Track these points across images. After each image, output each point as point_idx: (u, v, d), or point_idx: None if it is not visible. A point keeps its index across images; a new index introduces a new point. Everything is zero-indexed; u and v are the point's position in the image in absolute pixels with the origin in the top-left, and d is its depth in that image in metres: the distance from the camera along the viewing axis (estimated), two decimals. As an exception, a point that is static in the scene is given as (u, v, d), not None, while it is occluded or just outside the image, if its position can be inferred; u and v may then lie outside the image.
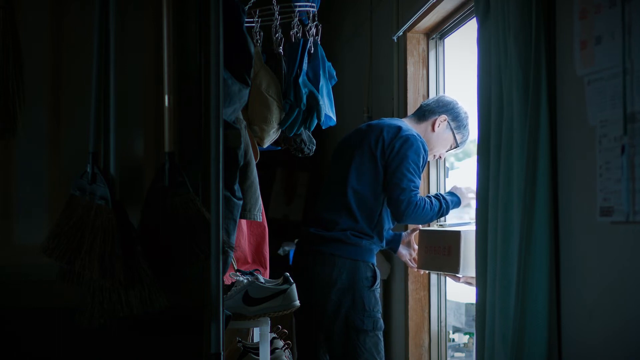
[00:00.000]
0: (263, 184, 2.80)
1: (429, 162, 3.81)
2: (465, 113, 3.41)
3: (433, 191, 3.82)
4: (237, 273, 2.77)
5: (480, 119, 2.48)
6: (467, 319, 5.49)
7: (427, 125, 3.34)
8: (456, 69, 3.82)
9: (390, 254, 4.01)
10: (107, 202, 1.91)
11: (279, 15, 2.93)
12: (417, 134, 3.23)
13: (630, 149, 1.80)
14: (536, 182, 2.15)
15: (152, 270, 1.92)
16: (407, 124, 3.30)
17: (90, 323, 1.89)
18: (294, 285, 2.70)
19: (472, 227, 3.30)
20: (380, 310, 3.20)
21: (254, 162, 2.60)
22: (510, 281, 2.25)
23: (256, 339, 3.24)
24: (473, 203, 3.29)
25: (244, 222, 3.06)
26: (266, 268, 3.28)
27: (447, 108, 3.35)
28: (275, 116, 2.84)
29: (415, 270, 3.54)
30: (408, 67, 3.79)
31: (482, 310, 2.41)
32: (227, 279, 2.71)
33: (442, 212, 3.25)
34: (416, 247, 3.47)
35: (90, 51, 1.97)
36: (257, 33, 2.97)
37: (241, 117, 2.47)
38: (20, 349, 2.01)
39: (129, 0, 2.07)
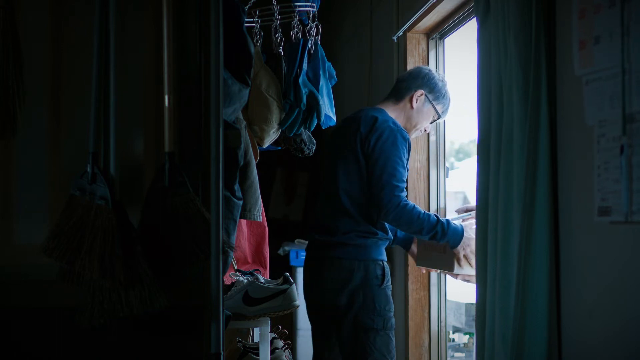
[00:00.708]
0: (263, 184, 2.80)
1: (429, 162, 3.81)
2: (442, 81, 3.32)
3: (433, 191, 3.83)
4: (237, 273, 2.78)
5: (480, 119, 2.48)
6: (467, 319, 5.49)
7: (404, 103, 3.26)
8: (456, 69, 3.82)
9: (390, 253, 4.01)
10: (107, 202, 1.91)
11: (279, 15, 2.93)
12: (393, 122, 3.15)
13: (628, 149, 1.80)
14: (536, 182, 2.16)
15: (152, 270, 1.92)
16: (386, 110, 3.22)
17: (90, 323, 1.89)
18: (294, 285, 2.71)
19: (469, 224, 3.29)
20: (392, 309, 3.17)
21: (254, 162, 2.60)
22: (510, 281, 2.25)
23: (256, 339, 3.25)
24: (469, 255, 3.13)
25: (244, 222, 3.07)
26: (266, 268, 3.29)
27: (422, 81, 3.26)
28: (275, 116, 2.84)
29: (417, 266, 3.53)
30: (408, 67, 3.79)
31: (482, 310, 2.41)
32: (227, 279, 2.72)
33: (436, 232, 3.09)
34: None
35: (90, 51, 1.97)
36: (257, 33, 2.97)
37: (241, 117, 2.47)
38: (20, 349, 2.01)
39: (129, 0, 2.07)
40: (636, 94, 1.80)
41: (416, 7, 3.53)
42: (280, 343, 3.10)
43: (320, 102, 2.91)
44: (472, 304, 3.69)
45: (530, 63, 2.18)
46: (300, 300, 2.96)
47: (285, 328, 3.35)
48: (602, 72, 1.92)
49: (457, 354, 5.65)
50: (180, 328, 2.04)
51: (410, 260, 3.76)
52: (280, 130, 2.96)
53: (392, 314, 3.17)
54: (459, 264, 3.16)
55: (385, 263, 3.18)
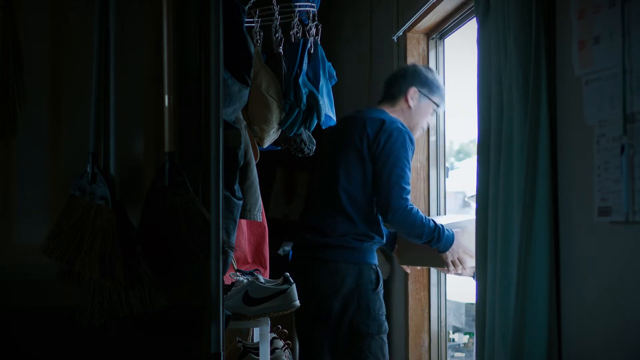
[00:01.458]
0: (263, 184, 2.80)
1: (428, 162, 3.81)
2: (430, 71, 3.32)
3: (433, 191, 3.82)
4: (237, 273, 2.77)
5: (480, 119, 2.48)
6: (467, 319, 5.50)
7: (401, 104, 3.26)
8: (456, 69, 3.82)
9: (390, 254, 4.01)
10: (107, 202, 1.91)
11: (279, 15, 2.93)
12: (401, 124, 3.15)
13: (629, 149, 1.80)
14: (536, 182, 2.16)
15: (152, 270, 1.92)
16: (388, 113, 3.23)
17: (90, 323, 1.89)
18: (294, 285, 2.70)
19: (456, 220, 3.28)
20: (385, 313, 3.17)
21: (254, 162, 2.60)
22: (510, 281, 2.25)
23: (256, 339, 3.24)
24: (466, 260, 3.16)
25: (244, 222, 3.06)
26: (266, 268, 3.28)
27: (412, 79, 3.26)
28: (275, 116, 2.84)
29: (400, 266, 3.54)
30: (408, 67, 3.78)
31: (482, 310, 2.41)
32: (227, 279, 2.71)
33: (433, 237, 3.11)
34: None
35: (90, 51, 1.97)
36: (257, 33, 2.97)
37: (241, 117, 2.47)
38: (20, 349, 2.01)
39: (129, 0, 2.07)
40: (637, 93, 1.80)
41: (416, 7, 3.53)
42: (280, 343, 3.10)
43: (320, 102, 2.91)
44: (472, 304, 3.69)
45: (530, 63, 2.18)
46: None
47: (285, 328, 3.34)
48: (601, 72, 1.92)
49: (457, 354, 5.65)
50: (180, 328, 2.04)
51: (410, 260, 3.76)
52: (280, 130, 2.96)
53: (385, 317, 3.16)
54: (447, 267, 3.17)
55: (378, 268, 3.17)
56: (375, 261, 3.17)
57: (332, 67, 3.10)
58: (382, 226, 3.18)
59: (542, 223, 2.15)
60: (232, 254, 2.38)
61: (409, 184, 3.09)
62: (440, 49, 3.84)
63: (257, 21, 2.98)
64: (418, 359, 3.76)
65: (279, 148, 3.21)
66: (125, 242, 1.90)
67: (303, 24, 2.96)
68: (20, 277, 2.04)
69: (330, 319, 3.09)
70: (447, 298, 3.86)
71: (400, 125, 3.15)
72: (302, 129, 3.03)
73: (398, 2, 3.93)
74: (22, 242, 2.07)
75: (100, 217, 1.90)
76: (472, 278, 2.93)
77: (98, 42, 1.97)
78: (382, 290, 3.16)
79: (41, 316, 2.02)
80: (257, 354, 2.78)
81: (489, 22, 2.41)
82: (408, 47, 3.80)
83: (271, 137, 2.92)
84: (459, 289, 5.02)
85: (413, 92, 3.25)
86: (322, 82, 2.98)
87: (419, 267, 3.63)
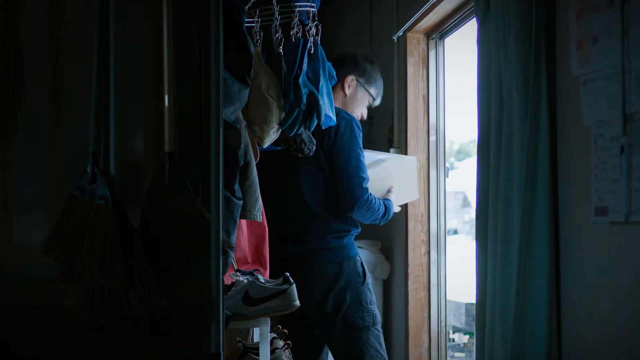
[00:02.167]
0: (263, 184, 2.79)
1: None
2: (370, 63, 3.31)
3: (433, 191, 3.82)
4: (237, 273, 2.77)
5: (480, 119, 2.48)
6: (467, 319, 5.50)
7: (337, 91, 3.26)
8: (456, 69, 3.82)
9: (390, 253, 4.01)
10: (107, 202, 1.91)
11: (279, 15, 2.92)
12: (345, 112, 3.16)
13: (628, 149, 1.80)
14: (536, 182, 2.16)
15: (152, 270, 1.92)
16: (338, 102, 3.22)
17: (90, 323, 1.89)
18: (294, 285, 2.70)
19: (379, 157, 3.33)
20: (375, 303, 3.18)
21: (254, 162, 2.59)
22: (510, 281, 2.25)
23: (256, 339, 3.24)
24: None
25: (244, 222, 3.06)
26: (266, 268, 3.28)
27: (350, 67, 3.27)
28: (275, 116, 2.84)
29: None
30: (408, 67, 3.79)
31: (482, 310, 2.41)
32: (227, 279, 2.71)
33: (387, 214, 3.17)
34: None
35: (90, 51, 1.97)
36: (257, 33, 2.97)
37: (241, 117, 2.47)
38: (20, 349, 2.01)
39: (129, 1, 2.07)
40: (635, 94, 1.80)
41: (416, 7, 3.53)
42: (280, 343, 3.10)
43: (320, 102, 2.90)
44: (472, 304, 3.69)
45: (530, 63, 2.18)
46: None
47: (285, 328, 3.34)
48: (599, 72, 1.92)
49: (457, 354, 5.66)
50: (180, 328, 2.04)
51: (410, 260, 3.76)
52: (280, 130, 2.95)
53: (377, 308, 3.17)
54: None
55: (360, 258, 3.18)
56: (357, 252, 3.17)
57: (332, 67, 3.10)
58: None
59: (542, 223, 2.15)
60: (232, 254, 2.38)
61: (365, 171, 3.11)
62: (440, 49, 3.84)
63: (257, 21, 2.97)
64: (418, 359, 3.76)
65: (279, 148, 3.21)
66: (125, 242, 1.90)
67: (303, 24, 2.96)
68: (20, 277, 2.04)
69: (325, 318, 3.10)
70: (447, 298, 3.86)
71: (345, 115, 3.15)
72: (302, 129, 3.02)
73: (398, 2, 3.93)
74: (22, 242, 2.07)
75: (100, 217, 1.90)
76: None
77: (98, 42, 1.97)
78: (370, 281, 3.17)
79: (41, 316, 2.02)
80: (257, 354, 2.77)
81: (489, 22, 2.41)
82: (408, 47, 3.80)
83: (271, 137, 2.92)
84: (459, 289, 5.02)
85: (350, 80, 3.26)
86: (322, 82, 2.98)
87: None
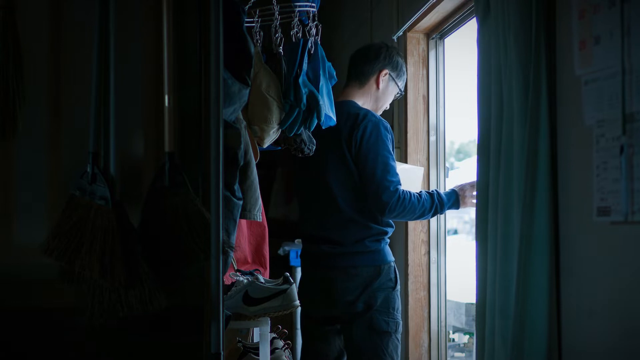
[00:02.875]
0: (263, 184, 2.80)
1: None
2: (399, 55, 3.30)
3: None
4: (237, 273, 2.77)
5: (480, 119, 2.48)
6: (467, 319, 5.50)
7: (370, 85, 3.24)
8: (456, 69, 3.83)
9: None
10: (107, 202, 1.91)
11: (279, 15, 2.92)
12: (372, 114, 3.14)
13: (628, 149, 1.80)
14: (536, 182, 2.16)
15: (152, 270, 1.92)
16: (354, 100, 3.21)
17: (90, 323, 1.89)
18: (294, 285, 2.70)
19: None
20: (400, 312, 3.18)
21: (254, 162, 2.59)
22: (510, 281, 2.25)
23: (256, 339, 3.24)
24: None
25: (244, 222, 3.06)
26: (266, 268, 3.28)
27: (385, 60, 3.24)
28: (275, 116, 2.84)
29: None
30: (408, 67, 3.79)
31: (482, 310, 2.41)
32: (227, 279, 2.71)
33: (436, 209, 3.13)
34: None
35: (90, 51, 1.97)
36: (257, 33, 2.97)
37: (241, 117, 2.47)
38: (20, 349, 2.01)
39: (129, 1, 2.07)
40: (636, 94, 1.80)
41: (416, 7, 3.53)
42: (280, 343, 3.10)
43: (321, 102, 2.90)
44: (472, 304, 3.69)
45: (530, 63, 2.18)
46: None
47: (285, 328, 3.35)
48: (601, 72, 1.92)
49: (457, 354, 5.66)
50: (180, 328, 2.04)
51: (410, 260, 3.76)
52: (280, 130, 2.95)
53: (400, 316, 3.17)
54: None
55: (395, 265, 3.18)
56: (392, 258, 3.17)
57: (332, 67, 3.10)
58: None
59: (542, 223, 2.15)
60: (232, 254, 2.38)
61: (396, 174, 3.08)
62: (440, 49, 3.84)
63: (257, 21, 2.97)
64: (418, 359, 3.76)
65: (279, 148, 3.21)
66: (125, 242, 1.90)
67: (303, 24, 2.95)
68: (20, 277, 2.04)
69: (352, 319, 3.10)
70: (447, 298, 3.86)
71: (371, 117, 3.13)
72: (302, 129, 3.02)
73: (398, 2, 3.93)
74: (22, 242, 2.07)
75: (100, 217, 1.90)
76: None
77: (98, 42, 1.97)
78: (399, 289, 3.17)
79: (41, 316, 2.02)
80: (257, 354, 2.78)
81: (489, 22, 2.41)
82: (408, 47, 3.80)
83: (271, 137, 2.92)
84: (459, 289, 5.02)
85: (384, 74, 3.24)
86: (322, 82, 2.98)
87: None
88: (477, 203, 2.48)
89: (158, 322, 2.00)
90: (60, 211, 1.92)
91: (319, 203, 3.17)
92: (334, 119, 3.11)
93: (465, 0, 3.28)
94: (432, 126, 3.84)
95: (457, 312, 5.57)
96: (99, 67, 1.97)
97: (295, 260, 4.68)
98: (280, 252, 4.90)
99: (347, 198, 3.11)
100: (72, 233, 1.89)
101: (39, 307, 2.04)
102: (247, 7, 2.87)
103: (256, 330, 3.29)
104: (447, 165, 3.88)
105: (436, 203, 3.12)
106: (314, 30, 2.92)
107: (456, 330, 5.69)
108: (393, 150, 3.13)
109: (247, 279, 2.70)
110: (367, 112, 3.15)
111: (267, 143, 2.92)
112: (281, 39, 2.89)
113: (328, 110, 3.02)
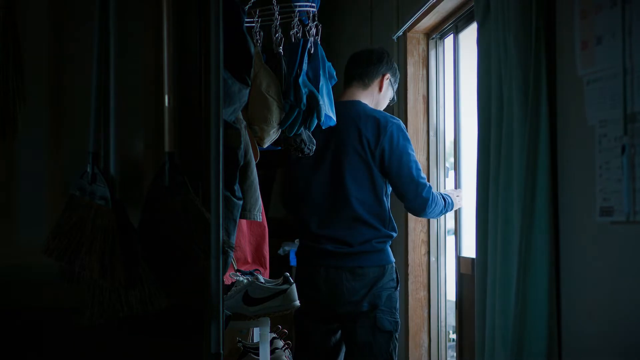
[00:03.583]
0: (263, 184, 2.79)
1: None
2: (395, 62, 3.41)
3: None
4: (237, 273, 2.77)
5: (480, 119, 2.48)
6: (467, 319, 5.48)
7: (373, 87, 3.31)
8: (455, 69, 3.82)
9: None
10: (107, 202, 1.91)
11: (279, 15, 2.92)
12: (390, 116, 3.22)
13: (630, 149, 1.80)
14: (536, 182, 2.15)
15: (152, 270, 1.92)
16: (362, 100, 3.27)
17: (90, 323, 1.89)
18: (294, 285, 2.70)
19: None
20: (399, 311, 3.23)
21: (254, 162, 2.59)
22: (510, 281, 2.25)
23: (256, 339, 3.24)
24: (462, 204, 3.43)
25: (244, 222, 3.06)
26: (266, 268, 3.28)
27: (387, 66, 3.32)
28: (275, 116, 2.84)
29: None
30: (408, 67, 3.79)
31: (482, 310, 2.41)
32: (227, 279, 2.71)
33: (447, 207, 3.26)
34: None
35: (90, 51, 1.97)
36: (257, 33, 2.97)
37: (241, 117, 2.47)
38: (21, 349, 2.01)
39: (129, 1, 2.07)
40: (638, 94, 1.80)
41: (416, 7, 3.53)
42: (280, 343, 3.10)
43: (321, 102, 2.90)
44: (472, 304, 3.68)
45: (530, 63, 2.17)
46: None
47: (285, 328, 3.34)
48: (603, 72, 1.92)
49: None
50: (180, 328, 2.04)
51: (410, 260, 3.76)
52: (280, 130, 2.95)
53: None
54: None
55: (396, 265, 3.22)
56: (394, 259, 3.21)
57: (332, 67, 3.10)
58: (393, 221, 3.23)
59: (542, 223, 2.15)
60: (232, 254, 2.38)
61: (421, 169, 3.20)
62: (440, 49, 3.84)
63: (257, 21, 2.97)
64: (418, 359, 3.76)
65: (279, 148, 3.21)
66: (125, 242, 1.90)
67: (303, 24, 2.95)
68: (20, 277, 2.04)
69: (356, 318, 3.12)
70: (447, 298, 3.85)
71: (391, 119, 3.21)
72: (302, 129, 3.02)
73: (398, 2, 3.93)
74: (22, 242, 2.07)
75: (100, 217, 1.90)
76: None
77: (98, 42, 1.97)
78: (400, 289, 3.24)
79: (41, 316, 2.02)
80: (257, 354, 2.77)
81: (489, 22, 2.41)
82: (408, 47, 3.80)
83: (271, 137, 2.92)
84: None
85: (386, 78, 3.30)
86: (322, 82, 2.98)
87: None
88: (476, 203, 2.48)
89: (158, 322, 2.00)
90: (60, 211, 1.92)
91: (328, 202, 3.19)
92: (334, 119, 3.11)
93: (465, 0, 3.27)
94: (432, 126, 3.84)
95: (457, 312, 5.56)
96: (99, 67, 1.97)
97: (295, 260, 4.68)
98: (280, 252, 4.90)
99: (361, 199, 3.13)
100: (72, 233, 1.89)
101: (39, 307, 2.04)
102: (247, 7, 2.87)
103: (256, 330, 3.28)
104: (447, 165, 3.88)
105: (448, 201, 3.25)
106: (314, 30, 2.91)
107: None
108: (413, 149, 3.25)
109: (247, 279, 2.70)
110: (385, 114, 3.23)
111: (267, 143, 2.92)
112: (281, 39, 2.89)
113: (328, 110, 3.02)
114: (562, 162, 2.16)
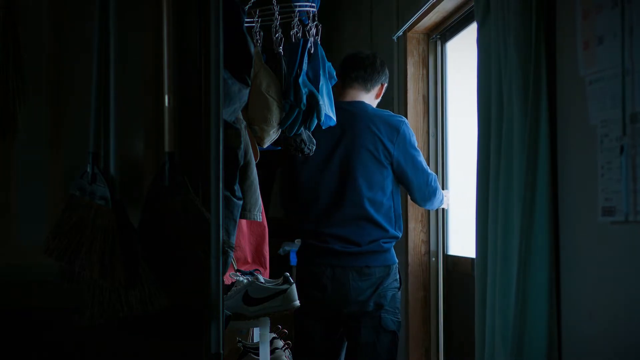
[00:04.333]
0: (263, 184, 2.80)
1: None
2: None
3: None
4: (237, 273, 2.77)
5: (480, 119, 2.48)
6: (467, 319, 5.48)
7: (373, 93, 3.39)
8: (456, 69, 3.82)
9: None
10: (107, 202, 1.91)
11: (279, 15, 2.92)
12: (398, 116, 3.32)
13: (630, 150, 1.80)
14: (536, 182, 2.15)
15: (152, 270, 1.92)
16: (362, 98, 3.34)
17: (90, 323, 1.89)
18: (294, 285, 2.70)
19: None
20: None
21: (254, 162, 2.59)
22: (510, 281, 2.25)
23: (256, 339, 3.24)
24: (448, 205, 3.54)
25: (244, 222, 3.06)
26: (266, 268, 3.28)
27: (385, 76, 3.42)
28: (275, 116, 2.84)
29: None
30: (408, 67, 3.79)
31: (482, 310, 2.41)
32: (227, 279, 2.71)
33: (440, 201, 3.36)
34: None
35: (90, 51, 1.97)
36: (257, 33, 2.97)
37: (241, 117, 2.47)
38: (21, 349, 2.01)
39: (129, 1, 2.07)
40: (639, 94, 1.80)
41: (416, 7, 3.53)
42: (280, 343, 3.10)
43: (321, 102, 2.90)
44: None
45: (530, 63, 2.17)
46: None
47: (285, 328, 3.34)
48: (605, 72, 1.91)
49: (457, 354, 5.64)
50: (180, 328, 2.04)
51: (410, 260, 3.77)
52: (280, 130, 2.95)
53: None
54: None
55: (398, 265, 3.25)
56: (397, 260, 3.25)
57: (332, 67, 3.10)
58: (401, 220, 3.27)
59: (542, 223, 2.15)
60: (232, 254, 2.38)
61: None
62: (441, 49, 3.84)
63: (257, 21, 2.97)
64: (418, 359, 3.76)
65: (279, 148, 3.21)
66: (125, 242, 1.90)
67: (303, 24, 2.95)
68: (20, 277, 2.04)
69: (362, 318, 3.13)
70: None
71: (399, 118, 3.30)
72: (302, 129, 3.02)
73: (398, 2, 3.93)
74: (22, 242, 2.07)
75: (100, 217, 1.90)
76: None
77: (98, 42, 1.97)
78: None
79: (41, 316, 2.02)
80: (257, 354, 2.77)
81: (489, 22, 2.41)
82: (408, 47, 3.80)
83: (271, 137, 2.92)
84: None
85: (383, 87, 3.37)
86: (322, 82, 2.98)
87: None
88: (476, 203, 2.48)
89: (158, 322, 2.00)
90: (60, 211, 1.92)
91: (337, 202, 3.20)
92: (334, 118, 3.11)
93: (465, 0, 3.28)
94: (432, 126, 3.84)
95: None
96: (99, 67, 1.97)
97: (295, 260, 4.68)
98: (280, 252, 4.90)
99: (372, 199, 3.16)
100: (72, 233, 1.89)
101: (39, 307, 2.04)
102: (247, 7, 2.87)
103: (256, 330, 3.28)
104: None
105: (442, 195, 3.36)
106: (314, 30, 2.92)
107: (456, 330, 5.68)
108: None
109: (247, 279, 2.70)
110: (390, 113, 3.38)
111: (267, 143, 2.92)
112: (281, 39, 2.89)
113: (328, 110, 3.02)
114: (562, 161, 2.16)
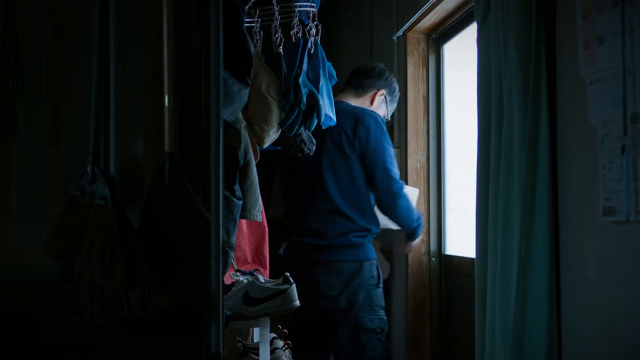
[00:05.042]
0: (263, 184, 2.80)
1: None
2: (396, 82, 3.47)
3: (433, 191, 3.82)
4: (237, 273, 2.77)
5: (480, 119, 2.48)
6: (467, 319, 5.47)
7: (366, 98, 3.38)
8: (456, 69, 3.82)
9: (390, 253, 4.01)
10: (107, 202, 1.91)
11: (279, 15, 2.92)
12: (368, 110, 3.29)
13: (631, 150, 1.80)
14: (536, 182, 2.15)
15: (152, 270, 1.92)
16: (347, 101, 3.33)
17: (90, 323, 1.89)
18: (294, 285, 2.70)
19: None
20: (384, 309, 3.22)
21: (254, 162, 2.59)
22: (510, 281, 2.25)
23: (256, 339, 3.24)
24: None
25: (244, 222, 3.06)
26: (266, 268, 3.28)
27: (385, 82, 3.40)
28: (275, 116, 2.84)
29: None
30: (408, 67, 3.79)
31: (482, 310, 2.41)
32: (227, 279, 2.71)
33: (419, 224, 3.30)
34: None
35: (91, 51, 1.97)
36: (257, 33, 2.97)
37: (241, 117, 2.47)
38: (21, 349, 2.01)
39: (129, 0, 2.07)
40: (639, 94, 1.80)
41: (416, 7, 3.53)
42: (280, 343, 3.10)
43: (321, 102, 2.90)
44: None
45: (530, 63, 2.17)
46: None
47: (285, 328, 3.34)
48: (605, 72, 1.91)
49: (457, 354, 5.64)
50: (180, 328, 2.04)
51: (410, 260, 3.76)
52: (280, 130, 2.95)
53: (385, 314, 3.20)
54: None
55: (377, 262, 3.22)
56: (375, 256, 3.22)
57: (332, 67, 3.10)
58: (374, 214, 3.24)
59: (542, 223, 2.15)
60: (232, 254, 2.38)
61: (395, 165, 3.24)
62: (440, 48, 3.84)
63: (257, 21, 2.97)
64: (418, 359, 3.76)
65: (279, 148, 3.21)
66: (125, 242, 1.90)
67: (303, 24, 2.95)
68: (20, 277, 2.04)
69: (335, 316, 3.12)
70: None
71: (369, 112, 3.28)
72: (302, 129, 3.03)
73: (398, 2, 3.93)
74: (22, 242, 2.07)
75: (100, 217, 1.90)
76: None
77: (98, 42, 1.97)
78: (382, 286, 3.22)
79: (41, 316, 2.02)
80: (257, 354, 2.77)
81: (489, 22, 2.41)
82: (408, 47, 3.80)
83: (271, 137, 2.92)
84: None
85: (381, 94, 3.38)
86: (322, 82, 2.98)
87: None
88: (476, 203, 2.48)
89: (158, 322, 2.00)
90: (60, 211, 1.92)
91: (310, 195, 3.23)
92: (334, 118, 3.11)
93: (465, 0, 3.28)
94: (432, 126, 3.84)
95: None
96: (99, 67, 1.97)
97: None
98: (280, 252, 4.89)
99: (340, 190, 3.15)
100: (72, 233, 1.89)
101: (39, 307, 2.03)
102: (247, 7, 2.87)
103: (256, 330, 3.28)
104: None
105: (421, 222, 3.28)
106: (314, 30, 2.92)
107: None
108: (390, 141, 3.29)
109: (247, 279, 2.70)
110: (363, 109, 3.26)
111: (267, 143, 2.92)
112: (281, 39, 2.89)
113: (328, 110, 3.02)
114: (562, 161, 2.16)
